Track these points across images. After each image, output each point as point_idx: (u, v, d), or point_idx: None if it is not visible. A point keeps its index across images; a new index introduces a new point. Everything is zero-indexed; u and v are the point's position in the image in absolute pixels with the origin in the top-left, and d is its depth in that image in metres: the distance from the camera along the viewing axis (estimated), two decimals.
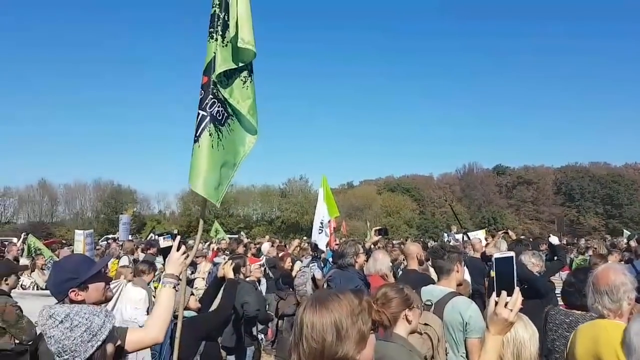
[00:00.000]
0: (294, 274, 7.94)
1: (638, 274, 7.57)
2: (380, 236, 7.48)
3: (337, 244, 7.88)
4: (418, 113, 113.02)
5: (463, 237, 13.07)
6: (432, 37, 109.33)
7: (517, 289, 1.80)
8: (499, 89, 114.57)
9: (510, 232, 8.07)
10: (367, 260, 5.15)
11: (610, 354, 2.25)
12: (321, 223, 9.93)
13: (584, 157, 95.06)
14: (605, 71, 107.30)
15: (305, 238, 21.36)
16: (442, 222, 60.90)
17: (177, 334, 2.83)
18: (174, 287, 2.64)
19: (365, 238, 12.25)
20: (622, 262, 8.65)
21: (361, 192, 70.09)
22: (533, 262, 5.22)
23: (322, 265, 8.04)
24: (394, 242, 19.46)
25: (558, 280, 5.95)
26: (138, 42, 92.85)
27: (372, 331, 1.52)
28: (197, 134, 2.90)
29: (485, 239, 13.75)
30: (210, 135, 2.90)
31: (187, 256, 2.75)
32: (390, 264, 5.13)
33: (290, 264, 8.57)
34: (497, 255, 1.89)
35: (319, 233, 9.88)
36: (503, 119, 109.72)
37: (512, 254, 1.89)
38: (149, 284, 5.91)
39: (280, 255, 9.52)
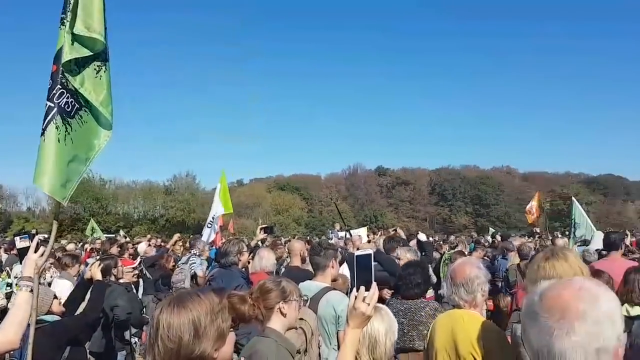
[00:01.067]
0: None
1: (497, 270, 8.45)
2: (266, 234, 7.49)
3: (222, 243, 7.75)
4: (310, 116, 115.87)
5: (346, 235, 13.48)
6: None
7: (374, 284, 1.88)
8: (385, 94, 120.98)
9: (399, 230, 8.45)
10: (252, 259, 5.15)
11: (465, 341, 2.41)
12: (212, 217, 9.78)
13: (457, 160, 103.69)
14: (474, 83, 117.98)
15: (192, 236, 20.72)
16: (329, 220, 62.55)
17: (30, 340, 2.59)
18: (31, 290, 2.46)
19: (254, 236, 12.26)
20: (486, 259, 9.56)
21: (251, 190, 69.85)
22: (408, 257, 5.53)
23: (206, 263, 7.87)
24: (283, 239, 19.58)
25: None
26: None
27: (232, 329, 1.52)
28: (44, 127, 2.69)
29: (367, 236, 14.38)
30: (56, 128, 2.70)
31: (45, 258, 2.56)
32: (275, 262, 5.17)
33: (173, 263, 8.24)
34: (357, 252, 1.96)
35: (208, 227, 9.70)
36: (386, 122, 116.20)
37: (370, 251, 1.99)
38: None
39: (161, 253, 9.11)
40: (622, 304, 3.38)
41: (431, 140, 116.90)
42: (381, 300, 4.66)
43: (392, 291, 4.55)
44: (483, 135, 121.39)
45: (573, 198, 12.60)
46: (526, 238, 15.18)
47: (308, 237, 23.55)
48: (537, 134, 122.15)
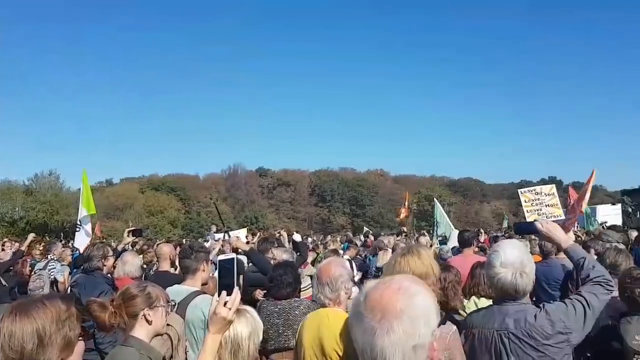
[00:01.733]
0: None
1: (369, 268, 8.89)
2: (134, 237, 7.12)
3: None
4: (188, 114, 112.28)
5: (224, 236, 13.26)
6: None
7: (236, 288, 1.89)
8: (265, 96, 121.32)
9: (283, 232, 8.48)
10: None
11: (330, 339, 2.49)
12: (80, 221, 9.07)
13: (335, 163, 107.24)
14: (350, 89, 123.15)
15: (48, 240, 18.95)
16: (208, 222, 61.12)
17: None
18: None
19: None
20: (359, 257, 10.01)
21: (122, 190, 65.87)
22: (284, 258, 5.58)
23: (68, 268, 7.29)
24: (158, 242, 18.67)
25: None
26: None
27: (80, 338, 1.45)
28: None
29: (246, 237, 14.27)
30: None
31: None
32: (140, 266, 4.95)
33: (30, 268, 7.51)
34: (220, 257, 1.96)
35: (77, 231, 9.00)
36: (266, 124, 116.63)
37: (233, 255, 1.99)
38: None
39: (16, 258, 8.21)
40: (470, 297, 3.74)
41: (311, 143, 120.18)
42: (255, 301, 4.70)
43: (265, 291, 4.59)
44: (359, 139, 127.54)
45: (435, 199, 13.66)
46: (395, 237, 16.13)
47: (184, 240, 22.78)
48: (407, 140, 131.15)
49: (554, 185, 14.54)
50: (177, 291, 3.40)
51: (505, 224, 23.69)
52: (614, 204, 24.76)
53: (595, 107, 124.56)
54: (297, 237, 6.43)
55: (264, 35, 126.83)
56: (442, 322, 2.39)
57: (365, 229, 29.91)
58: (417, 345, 1.22)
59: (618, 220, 18.89)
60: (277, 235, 8.67)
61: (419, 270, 2.44)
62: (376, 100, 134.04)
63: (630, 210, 20.88)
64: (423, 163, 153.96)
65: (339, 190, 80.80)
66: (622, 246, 4.51)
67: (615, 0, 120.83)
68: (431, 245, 9.60)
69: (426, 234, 17.02)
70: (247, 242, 9.08)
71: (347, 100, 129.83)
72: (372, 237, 14.93)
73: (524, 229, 2.89)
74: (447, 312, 3.06)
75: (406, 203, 21.98)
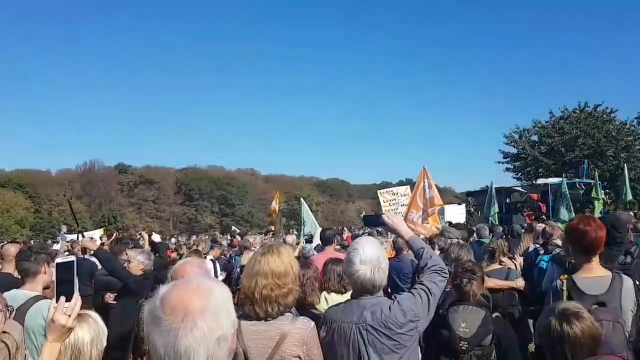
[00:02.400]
0: None
1: (234, 267, 8.83)
2: None
3: None
4: (39, 105, 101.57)
5: (78, 237, 12.27)
6: None
7: (76, 294, 1.79)
8: (125, 92, 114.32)
9: (143, 233, 8.11)
10: None
11: None
12: None
13: (203, 161, 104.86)
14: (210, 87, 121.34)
15: None
16: (60, 221, 56.06)
17: None
18: None
19: None
20: (223, 257, 9.88)
21: None
22: (140, 260, 5.30)
23: None
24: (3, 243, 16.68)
25: None
26: None
27: None
28: None
29: (101, 238, 13.34)
30: None
31: None
32: None
33: None
34: (58, 260, 1.83)
35: None
36: (127, 119, 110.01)
37: (73, 258, 1.87)
38: None
39: None
40: (321, 292, 3.86)
41: (177, 139, 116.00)
42: (106, 305, 4.41)
43: (115, 295, 4.32)
44: (229, 137, 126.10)
45: (301, 199, 13.98)
46: (263, 236, 16.22)
47: (32, 241, 20.61)
48: (278, 139, 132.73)
49: (408, 186, 15.69)
50: (13, 296, 3.08)
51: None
52: (459, 204, 27.43)
53: (441, 118, 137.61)
54: (156, 238, 6.17)
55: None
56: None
57: (234, 228, 29.63)
58: (221, 337, 1.25)
59: (463, 219, 20.98)
60: (138, 236, 8.28)
61: (278, 269, 2.48)
62: (248, 99, 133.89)
63: (472, 209, 23.15)
64: (293, 163, 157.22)
65: (207, 188, 78.93)
66: (464, 242, 4.99)
67: None
68: (297, 244, 9.80)
69: (295, 232, 17.38)
70: (102, 244, 8.51)
71: (217, 97, 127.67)
72: (239, 237, 14.85)
73: (371, 222, 3.06)
74: (305, 307, 3.13)
75: (276, 202, 22.17)
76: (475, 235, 8.63)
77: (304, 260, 5.19)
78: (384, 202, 16.03)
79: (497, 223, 14.31)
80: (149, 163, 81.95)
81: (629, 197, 16.66)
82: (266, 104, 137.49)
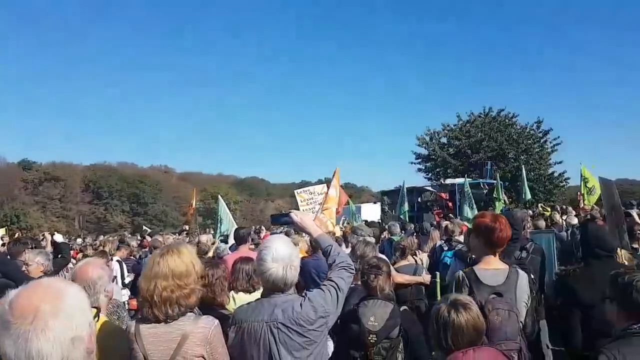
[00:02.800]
0: None
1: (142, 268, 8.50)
2: None
3: None
4: None
5: None
6: None
7: None
8: (29, 80, 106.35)
9: (46, 233, 7.59)
10: None
11: None
12: None
13: (113, 157, 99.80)
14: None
15: None
16: None
17: None
18: None
19: None
20: (132, 258, 9.49)
21: None
22: (38, 262, 4.98)
23: None
24: None
25: None
26: None
27: None
28: None
29: (2, 238, 12.36)
30: None
31: None
32: None
33: None
34: None
35: None
36: (31, 113, 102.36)
37: None
38: None
39: None
40: (230, 292, 3.80)
41: (85, 135, 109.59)
42: None
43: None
44: (141, 134, 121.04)
45: (219, 196, 13.74)
46: (177, 235, 15.77)
47: None
48: (194, 137, 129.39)
49: (325, 185, 15.93)
50: None
51: None
52: (375, 202, 28.29)
53: (360, 119, 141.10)
54: (58, 238, 5.81)
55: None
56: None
57: (145, 227, 28.52)
58: (75, 337, 1.24)
59: (378, 217, 21.65)
60: (41, 236, 7.75)
61: (179, 269, 2.42)
62: (162, 93, 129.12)
63: (386, 208, 23.94)
64: (210, 161, 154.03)
65: (117, 186, 75.08)
66: (371, 239, 5.18)
67: None
68: (213, 243, 9.62)
69: (211, 232, 17.02)
70: (4, 244, 7.89)
71: (128, 90, 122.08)
72: (149, 237, 14.31)
73: (279, 220, 3.07)
74: (215, 308, 3.07)
75: (193, 201, 21.61)
76: (386, 232, 8.93)
77: (217, 259, 5.11)
78: (301, 201, 16.10)
79: (408, 221, 14.91)
80: (54, 159, 76.84)
81: (528, 196, 18.04)
82: (182, 98, 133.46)
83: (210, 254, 7.22)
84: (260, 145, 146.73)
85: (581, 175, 11.56)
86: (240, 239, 6.03)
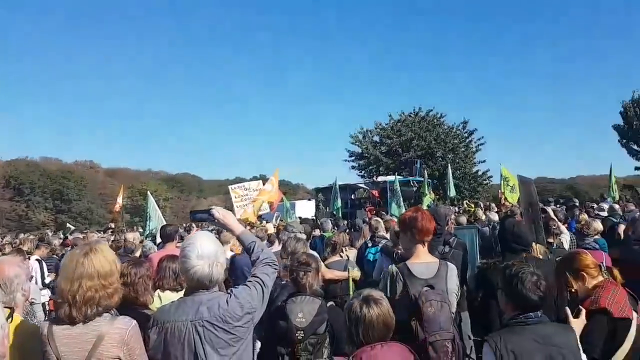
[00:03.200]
0: None
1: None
2: None
3: None
4: None
5: None
6: None
7: None
8: None
9: None
10: None
11: None
12: None
13: (35, 152, 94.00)
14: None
15: None
16: None
17: None
18: None
19: None
20: (55, 257, 8.99)
21: None
22: None
23: None
24: None
25: None
26: None
27: None
28: None
29: None
30: None
31: None
32: None
33: None
34: None
35: None
36: None
37: None
38: None
39: None
40: (155, 290, 3.70)
41: (5, 130, 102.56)
42: None
43: None
44: (66, 128, 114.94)
45: (148, 193, 13.30)
46: (102, 233, 15.16)
47: None
48: (121, 132, 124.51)
49: (260, 181, 15.84)
50: None
51: None
52: (310, 199, 28.46)
53: (296, 116, 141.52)
54: None
55: None
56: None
57: (69, 225, 27.14)
58: None
59: (312, 214, 21.80)
60: None
61: (104, 269, 2.36)
62: (87, 85, 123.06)
63: (321, 205, 24.16)
64: (139, 157, 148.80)
65: (39, 182, 70.73)
66: (302, 236, 5.21)
67: None
68: (141, 242, 9.31)
69: (139, 229, 16.46)
70: None
71: (49, 81, 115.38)
72: (70, 237, 13.64)
73: (199, 217, 3.03)
74: (136, 307, 2.98)
75: (120, 198, 20.76)
76: (318, 229, 9.02)
77: (143, 258, 4.96)
78: (235, 197, 15.94)
79: (341, 217, 15.12)
80: None
81: (453, 193, 18.84)
82: (111, 91, 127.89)
83: (138, 253, 6.98)
84: (193, 141, 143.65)
85: (501, 175, 12.19)
86: (166, 237, 5.86)
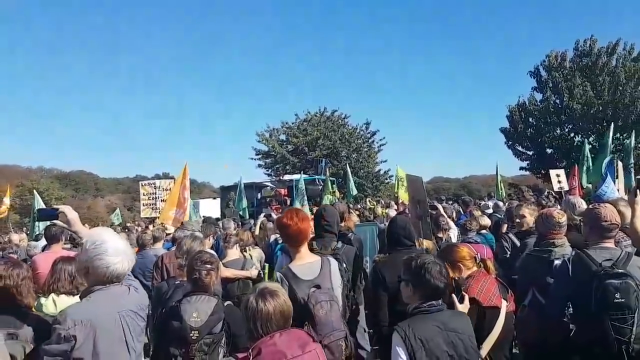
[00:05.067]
0: None
1: None
2: None
3: None
4: None
5: None
6: None
7: None
8: None
9: None
10: None
11: None
12: None
13: None
14: None
15: None
16: None
17: None
18: None
19: None
20: None
21: None
22: None
23: None
24: None
25: None
26: None
27: None
28: None
29: None
30: None
31: None
32: None
33: None
34: None
35: None
36: None
37: None
38: None
39: None
40: (49, 294, 3.50)
41: None
42: None
43: None
44: None
45: (35, 191, 12.42)
46: None
47: None
48: (7, 127, 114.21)
49: (172, 181, 15.33)
50: None
51: (116, 220, 23.40)
52: (215, 198, 27.90)
53: (201, 114, 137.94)
54: None
55: None
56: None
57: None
58: None
59: (218, 213, 21.38)
60: None
61: None
62: None
63: (231, 203, 23.74)
64: (30, 153, 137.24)
65: None
66: (199, 234, 5.13)
67: None
68: (29, 244, 8.64)
69: (28, 231, 15.24)
70: None
71: None
72: None
73: (46, 215, 3.02)
74: (24, 310, 2.82)
75: (6, 198, 19.05)
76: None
77: (27, 259, 4.63)
78: (144, 194, 15.44)
79: (247, 217, 15.01)
80: None
81: (354, 192, 19.43)
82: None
83: (15, 255, 6.44)
84: (89, 136, 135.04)
85: (396, 176, 12.79)
86: (52, 238, 5.48)
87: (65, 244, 5.87)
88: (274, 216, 9.77)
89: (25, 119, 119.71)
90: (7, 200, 18.10)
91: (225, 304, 3.50)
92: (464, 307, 2.97)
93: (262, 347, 2.31)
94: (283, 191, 22.08)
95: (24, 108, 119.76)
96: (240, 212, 15.98)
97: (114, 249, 2.46)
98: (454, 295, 2.97)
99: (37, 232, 11.45)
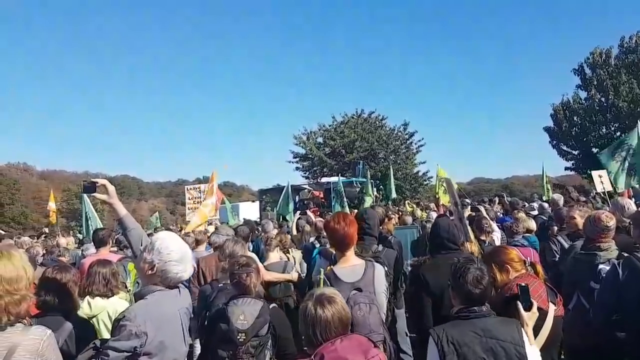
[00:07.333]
0: None
1: None
2: None
3: None
4: None
5: None
6: None
7: None
8: None
9: None
10: None
11: None
12: None
13: None
14: None
15: None
16: None
17: None
18: None
19: None
20: None
21: None
22: None
23: None
24: None
25: None
26: None
27: None
28: None
29: None
30: None
31: None
32: None
33: None
34: None
35: None
36: None
37: None
38: None
39: None
40: (84, 297, 3.62)
41: None
42: None
43: None
44: None
45: (84, 195, 12.84)
46: (35, 239, 14.54)
47: None
48: (56, 133, 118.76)
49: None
50: None
51: (157, 222, 24.02)
52: (253, 201, 28.23)
53: (238, 119, 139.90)
54: None
55: None
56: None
57: (0, 231, 25.60)
58: None
59: (256, 216, 21.64)
60: None
61: (9, 274, 2.24)
62: (17, 85, 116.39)
63: (268, 207, 23.98)
64: (76, 159, 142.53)
65: None
66: (237, 238, 5.19)
67: None
68: (80, 245, 8.97)
69: (79, 234, 15.82)
70: None
71: None
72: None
73: (87, 189, 3.16)
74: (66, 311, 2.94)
75: (51, 202, 19.84)
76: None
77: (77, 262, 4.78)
78: (189, 198, 16.01)
79: (291, 220, 15.10)
80: None
81: (393, 194, 19.27)
82: (40, 90, 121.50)
83: (66, 258, 6.65)
84: (133, 142, 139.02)
85: (437, 176, 12.56)
86: (99, 242, 5.63)
87: (112, 247, 6.04)
88: (314, 218, 9.76)
89: (73, 126, 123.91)
90: (52, 205, 18.80)
91: (271, 306, 3.53)
92: (531, 314, 2.75)
93: (324, 352, 2.31)
94: (319, 193, 22.12)
95: (72, 115, 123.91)
96: (287, 216, 16.08)
97: (186, 258, 2.62)
98: (518, 302, 2.78)
99: (83, 236, 11.86)
